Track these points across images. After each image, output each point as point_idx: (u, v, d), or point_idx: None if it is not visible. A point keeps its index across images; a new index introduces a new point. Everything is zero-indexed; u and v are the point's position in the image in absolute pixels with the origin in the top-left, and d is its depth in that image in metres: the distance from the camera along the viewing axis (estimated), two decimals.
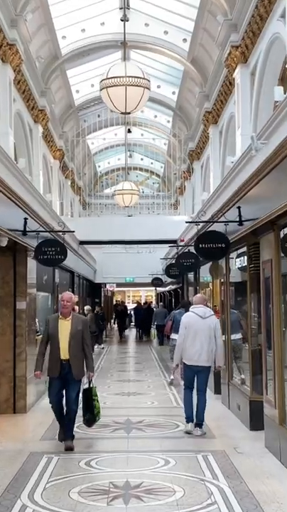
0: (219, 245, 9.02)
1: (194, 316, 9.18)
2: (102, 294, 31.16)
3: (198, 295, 10.07)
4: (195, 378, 9.24)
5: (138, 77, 8.82)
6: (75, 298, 8.22)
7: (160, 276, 27.56)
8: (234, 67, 12.69)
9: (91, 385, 8.38)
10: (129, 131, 25.13)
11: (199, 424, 9.05)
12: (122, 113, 9.48)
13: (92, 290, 28.94)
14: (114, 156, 28.40)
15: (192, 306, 9.72)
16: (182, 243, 16.94)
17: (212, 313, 9.50)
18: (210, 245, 9.03)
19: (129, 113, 9.68)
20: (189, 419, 9.11)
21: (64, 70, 17.79)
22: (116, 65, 9.23)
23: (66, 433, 8.17)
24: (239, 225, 8.76)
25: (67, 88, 19.14)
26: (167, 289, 29.07)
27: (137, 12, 16.23)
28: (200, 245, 9.14)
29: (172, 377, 14.21)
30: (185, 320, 9.28)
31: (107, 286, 35.35)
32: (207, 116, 16.09)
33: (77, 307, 21.37)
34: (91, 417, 8.44)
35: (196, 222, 9.17)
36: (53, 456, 7.73)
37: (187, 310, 14.53)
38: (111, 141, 24.27)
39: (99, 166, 29.16)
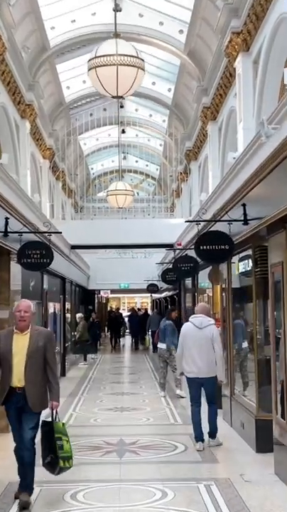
0: (223, 247, 8.10)
1: (191, 326, 8.66)
2: (96, 301, 30.14)
3: (200, 304, 9.24)
4: (202, 391, 8.77)
5: (131, 56, 7.86)
6: (32, 308, 6.66)
7: (155, 283, 26.60)
8: (235, 56, 11.78)
9: (54, 419, 6.36)
10: (123, 131, 24.24)
11: (212, 435, 8.63)
12: (113, 97, 8.54)
13: (85, 297, 27.95)
14: (108, 158, 27.50)
15: (192, 316, 8.91)
16: (179, 247, 16.02)
17: (211, 322, 8.66)
18: (212, 247, 8.09)
19: (122, 97, 8.71)
20: (197, 439, 8.53)
21: (53, 64, 16.87)
22: (105, 42, 8.26)
23: (20, 482, 6.19)
24: (244, 224, 7.83)
25: (56, 84, 18.20)
26: (163, 295, 28.09)
27: (131, 2, 15.34)
28: (201, 247, 8.21)
29: (178, 391, 13.33)
30: (182, 331, 8.80)
31: (101, 292, 34.35)
32: (205, 112, 15.17)
33: (68, 315, 20.37)
34: (55, 459, 6.21)
35: (196, 221, 8.27)
36: (35, 486, 6.73)
37: (170, 318, 13.78)
38: (105, 142, 23.33)
39: (93, 169, 28.23)
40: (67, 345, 19.49)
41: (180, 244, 16.22)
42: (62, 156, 19.87)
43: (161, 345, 13.52)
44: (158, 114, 21.79)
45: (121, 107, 21.35)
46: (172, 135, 19.19)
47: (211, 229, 8.95)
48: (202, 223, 9.30)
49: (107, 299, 46.75)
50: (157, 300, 37.21)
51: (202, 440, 8.53)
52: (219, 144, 14.46)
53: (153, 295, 37.75)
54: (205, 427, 8.76)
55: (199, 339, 8.49)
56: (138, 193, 27.03)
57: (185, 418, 10.90)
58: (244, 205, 7.76)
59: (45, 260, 9.27)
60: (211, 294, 14.15)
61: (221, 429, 9.00)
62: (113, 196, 14.86)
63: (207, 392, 8.76)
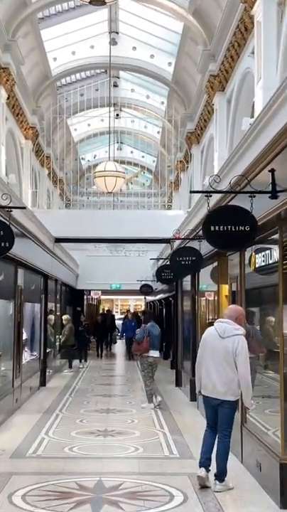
0: (242, 228, 5.96)
1: (213, 332, 6.89)
2: (85, 303, 27.95)
3: (232, 306, 7.25)
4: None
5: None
6: None
7: (149, 283, 24.43)
8: (253, 1, 9.63)
9: None
10: (117, 115, 22.12)
11: (219, 476, 6.74)
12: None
13: (74, 297, 25.78)
14: (101, 148, 25.36)
15: (218, 320, 7.11)
16: (178, 239, 13.90)
17: (238, 332, 6.65)
18: (228, 227, 5.95)
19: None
20: (201, 463, 6.83)
21: (37, 27, 14.71)
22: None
23: None
24: (271, 197, 5.70)
25: (41, 52, 16.02)
26: (157, 297, 25.91)
27: None
28: (212, 227, 6.07)
29: (159, 398, 12.23)
30: (203, 336, 7.05)
31: (92, 293, 32.17)
32: (211, 82, 13.01)
33: (52, 317, 18.20)
34: None
35: (207, 192, 6.18)
36: None
37: (154, 321, 12.54)
38: (98, 128, 21.13)
39: (83, 159, 26.08)
40: (48, 350, 17.33)
41: (178, 238, 14.11)
42: (48, 140, 17.73)
43: (154, 353, 12.12)
44: (156, 96, 19.65)
45: (115, 85, 19.27)
46: (172, 118, 17.04)
47: (226, 203, 6.78)
48: (214, 197, 7.05)
49: (99, 301, 44.52)
50: (151, 303, 35.01)
51: (207, 467, 6.76)
52: (228, 118, 12.34)
53: (147, 297, 35.56)
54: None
55: (219, 351, 6.69)
56: (132, 186, 24.95)
57: (182, 448, 8.79)
58: (271, 171, 5.64)
59: (2, 244, 7.11)
60: (212, 297, 12.06)
61: (228, 464, 6.90)
62: (101, 178, 12.74)
63: (220, 417, 6.85)
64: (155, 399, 12.18)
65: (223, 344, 6.70)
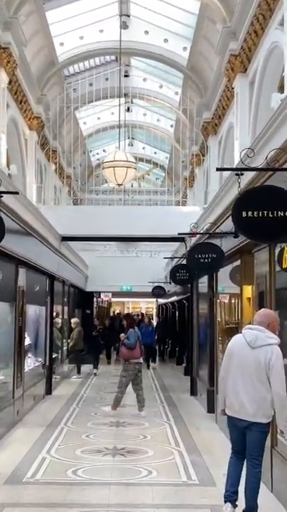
0: (281, 213, 4.85)
1: (240, 341, 5.82)
2: (95, 305, 26.89)
3: (263, 310, 6.09)
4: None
5: None
6: None
7: (162, 285, 23.35)
8: None
9: None
10: (128, 109, 21.08)
11: None
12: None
13: (83, 300, 24.74)
14: (112, 144, 24.33)
15: (246, 326, 5.99)
16: (194, 238, 12.83)
17: (272, 341, 5.57)
18: (264, 213, 4.84)
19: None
20: (226, 498, 5.79)
21: (41, 7, 13.62)
22: None
23: None
24: None
25: (46, 36, 14.95)
26: (170, 300, 24.79)
27: None
28: (244, 213, 4.97)
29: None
30: (230, 345, 5.97)
31: (102, 295, 31.10)
32: (232, 63, 11.86)
33: (58, 320, 17.19)
34: None
35: (239, 170, 5.12)
36: None
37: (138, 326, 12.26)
38: (108, 121, 20.05)
39: (94, 155, 25.05)
40: (55, 356, 16.28)
41: (194, 235, 13.02)
42: (54, 132, 16.70)
43: (141, 359, 11.98)
44: (170, 86, 18.55)
45: (126, 75, 18.20)
46: (187, 107, 15.90)
47: (261, 184, 5.64)
48: (246, 176, 5.91)
49: (110, 303, 43.44)
50: (163, 305, 33.91)
51: (233, 502, 5.73)
52: (251, 103, 11.22)
53: (158, 300, 34.46)
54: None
55: (249, 363, 5.65)
56: (144, 184, 23.88)
57: (201, 472, 7.71)
58: None
59: None
60: (233, 300, 10.99)
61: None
62: (110, 169, 11.63)
63: (248, 443, 5.79)
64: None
65: (253, 355, 5.63)
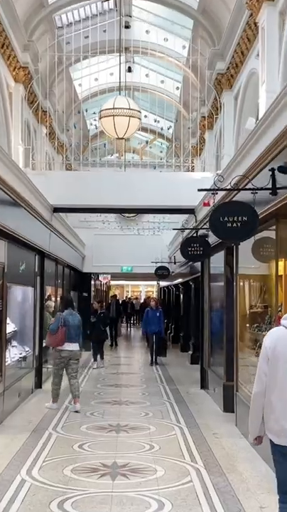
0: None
1: (285, 334, 4.05)
2: (92, 288, 24.96)
3: None
4: None
5: None
6: None
7: (166, 265, 21.38)
8: None
9: None
10: (129, 69, 18.96)
11: None
12: None
13: (79, 282, 22.78)
14: None
15: (285, 316, 4.08)
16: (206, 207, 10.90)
17: None
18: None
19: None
20: None
21: None
22: None
23: None
24: None
25: None
26: (175, 282, 22.81)
27: None
28: None
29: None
30: (268, 344, 4.14)
31: (100, 277, 29.15)
32: None
33: (51, 303, 15.30)
34: None
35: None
36: None
37: (72, 308, 10.81)
38: (106, 84, 17.93)
39: (92, 124, 22.94)
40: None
41: (207, 204, 11.05)
42: (45, 90, 14.65)
43: (70, 346, 10.33)
44: (177, 39, 16.37)
45: (127, 27, 16.08)
46: (198, 57, 13.76)
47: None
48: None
49: (109, 287, 41.51)
50: (165, 288, 31.99)
51: None
52: (281, 37, 9.12)
53: (160, 283, 32.50)
54: None
55: None
56: (146, 159, 21.79)
57: (229, 502, 5.81)
58: None
59: None
60: (260, 279, 9.12)
61: None
62: (109, 119, 9.49)
63: None
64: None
65: None
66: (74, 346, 10.37)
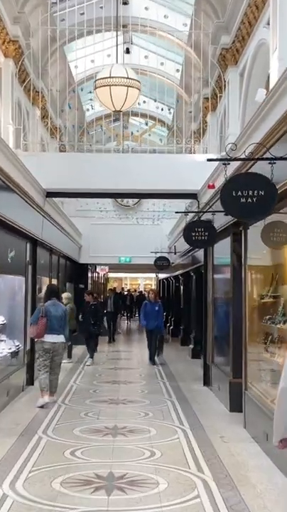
0: None
1: None
2: (89, 281, 24.09)
3: None
4: None
5: None
6: None
7: (166, 255, 20.54)
8: None
9: None
10: (128, 50, 18.05)
11: None
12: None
13: (76, 273, 21.94)
14: None
15: None
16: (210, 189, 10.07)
17: None
18: None
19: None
20: None
21: None
22: None
23: None
24: None
25: None
26: (176, 273, 21.94)
27: None
28: None
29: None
30: None
31: (97, 269, 28.30)
32: None
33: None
34: None
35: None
36: None
37: (58, 299, 10.52)
38: (103, 67, 16.93)
39: (88, 110, 22.03)
40: None
41: (213, 187, 10.21)
42: (39, 69, 13.75)
43: (53, 338, 9.83)
44: (179, 17, 15.35)
45: (125, 3, 15.13)
46: (201, 30, 12.82)
47: None
48: None
49: (107, 279, 40.65)
50: (164, 280, 31.14)
51: None
52: None
53: (159, 275, 31.65)
54: None
55: None
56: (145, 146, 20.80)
57: None
58: None
59: None
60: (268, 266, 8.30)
61: None
62: (104, 89, 8.52)
63: None
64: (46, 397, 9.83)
65: None
66: (57, 338, 9.85)
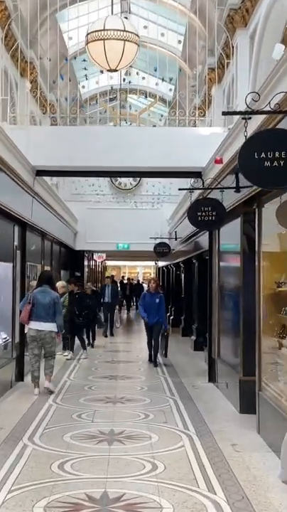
0: None
1: None
2: (86, 269, 23.02)
3: None
4: None
5: None
6: None
7: (166, 241, 19.48)
8: None
9: None
10: (126, 19, 16.81)
11: None
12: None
13: (71, 260, 20.89)
14: (106, 73, 20.19)
15: None
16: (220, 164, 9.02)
17: None
18: None
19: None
20: None
21: None
22: None
23: None
24: None
25: None
26: (176, 260, 20.87)
27: None
28: None
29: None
30: None
31: (94, 256, 27.23)
32: None
33: (34, 283, 13.42)
34: None
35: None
36: None
37: (52, 286, 10.09)
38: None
39: (84, 87, 20.90)
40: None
41: (220, 162, 9.14)
42: (29, 37, 12.63)
43: (39, 326, 9.57)
44: None
45: None
46: None
47: None
48: None
49: (105, 267, 39.61)
50: (164, 268, 30.08)
51: None
52: None
53: (158, 263, 30.60)
54: None
55: None
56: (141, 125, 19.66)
57: None
58: None
59: None
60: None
61: None
62: (98, 44, 7.35)
63: None
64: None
65: None
66: (43, 326, 9.54)
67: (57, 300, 9.78)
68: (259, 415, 7.40)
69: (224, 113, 5.77)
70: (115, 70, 7.66)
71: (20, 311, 9.78)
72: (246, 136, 4.75)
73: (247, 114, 4.95)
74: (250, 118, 4.94)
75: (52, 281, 10.62)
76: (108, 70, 7.70)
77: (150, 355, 13.38)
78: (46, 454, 6.44)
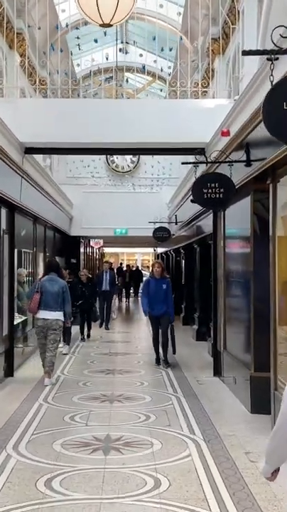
0: None
1: None
2: (82, 257, 22.09)
3: None
4: None
5: None
6: None
7: (166, 226, 18.55)
8: None
9: None
10: None
11: None
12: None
13: (67, 247, 19.97)
14: (101, 51, 19.22)
15: None
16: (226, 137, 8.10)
17: None
18: None
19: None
20: None
21: None
22: None
23: None
24: None
25: None
26: (176, 246, 19.96)
27: None
28: None
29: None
30: None
31: (91, 242, 26.31)
32: None
33: (25, 271, 12.60)
34: None
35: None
36: None
37: (59, 274, 9.79)
38: None
39: (79, 65, 19.91)
40: (22, 320, 11.71)
41: (227, 134, 8.22)
42: (18, 7, 11.64)
43: (47, 314, 9.34)
44: None
45: None
46: None
47: None
48: None
49: (102, 254, 38.67)
50: (163, 255, 29.17)
51: None
52: None
53: (157, 249, 29.69)
54: None
55: None
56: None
57: None
58: None
59: None
60: None
61: None
62: None
63: None
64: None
65: None
66: (51, 315, 9.34)
67: (65, 288, 9.57)
68: (275, 417, 6.53)
69: (244, 52, 4.86)
70: (109, 25, 6.75)
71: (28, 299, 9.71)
72: (272, 82, 3.86)
73: (274, 53, 4.02)
74: (277, 59, 4.03)
75: (60, 270, 10.25)
76: (101, 25, 6.77)
77: (157, 357, 11.36)
78: (32, 468, 5.58)
